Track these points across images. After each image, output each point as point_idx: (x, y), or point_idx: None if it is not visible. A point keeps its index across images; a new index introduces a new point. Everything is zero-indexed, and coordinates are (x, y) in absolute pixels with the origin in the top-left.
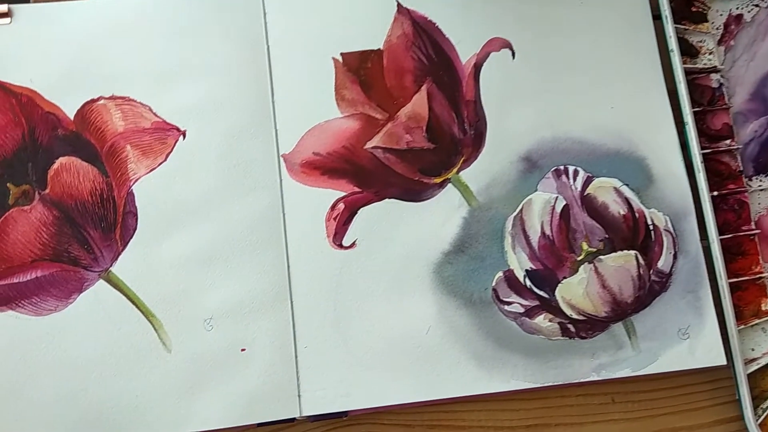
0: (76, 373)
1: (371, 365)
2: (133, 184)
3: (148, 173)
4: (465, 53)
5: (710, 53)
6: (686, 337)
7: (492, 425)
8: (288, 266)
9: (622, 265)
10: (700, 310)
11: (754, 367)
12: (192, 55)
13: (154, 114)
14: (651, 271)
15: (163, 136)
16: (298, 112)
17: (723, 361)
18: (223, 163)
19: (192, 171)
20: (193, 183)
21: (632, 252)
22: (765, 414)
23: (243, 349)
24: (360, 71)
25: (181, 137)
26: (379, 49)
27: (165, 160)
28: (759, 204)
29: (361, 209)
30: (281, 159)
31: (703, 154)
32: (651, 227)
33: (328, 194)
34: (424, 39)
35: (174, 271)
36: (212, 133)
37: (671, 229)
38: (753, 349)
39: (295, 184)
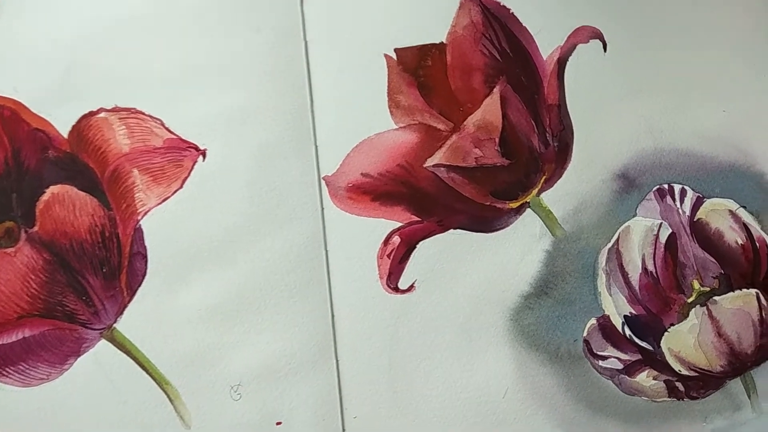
0: None
1: None
2: (142, 218)
3: (160, 204)
4: (546, 46)
5: None
6: None
7: None
8: (332, 316)
9: (740, 307)
10: None
11: None
12: (213, 55)
13: (167, 129)
14: None
15: (178, 156)
16: (342, 124)
17: None
18: (252, 189)
19: (214, 200)
20: (216, 215)
21: (753, 291)
22: None
23: (279, 423)
24: (418, 71)
25: (201, 158)
26: (441, 43)
27: (181, 187)
28: None
29: (421, 243)
30: (323, 182)
31: None
32: None
33: (381, 225)
34: (496, 29)
35: (193, 326)
36: (238, 153)
37: None
38: None
39: (341, 213)
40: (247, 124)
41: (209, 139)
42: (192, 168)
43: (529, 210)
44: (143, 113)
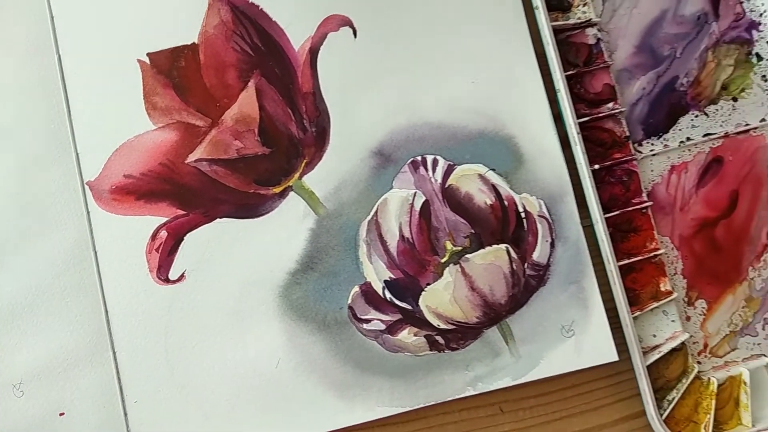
0: None
1: (214, 413)
2: None
3: None
4: (297, 38)
5: (584, 5)
6: (571, 334)
7: None
8: (106, 311)
9: (491, 262)
10: (585, 302)
11: (655, 356)
12: None
13: None
14: (525, 265)
15: None
16: (101, 130)
17: (614, 357)
18: (14, 202)
19: None
20: None
21: (502, 246)
22: (671, 406)
23: (62, 414)
24: (172, 72)
25: None
26: (193, 44)
27: None
28: (652, 171)
29: (188, 234)
30: (86, 187)
31: (583, 122)
32: (522, 215)
33: (147, 222)
34: (246, 26)
35: None
36: None
37: (546, 215)
38: (654, 335)
39: (106, 215)
40: (4, 141)
41: None
42: None
43: (292, 193)
44: None
